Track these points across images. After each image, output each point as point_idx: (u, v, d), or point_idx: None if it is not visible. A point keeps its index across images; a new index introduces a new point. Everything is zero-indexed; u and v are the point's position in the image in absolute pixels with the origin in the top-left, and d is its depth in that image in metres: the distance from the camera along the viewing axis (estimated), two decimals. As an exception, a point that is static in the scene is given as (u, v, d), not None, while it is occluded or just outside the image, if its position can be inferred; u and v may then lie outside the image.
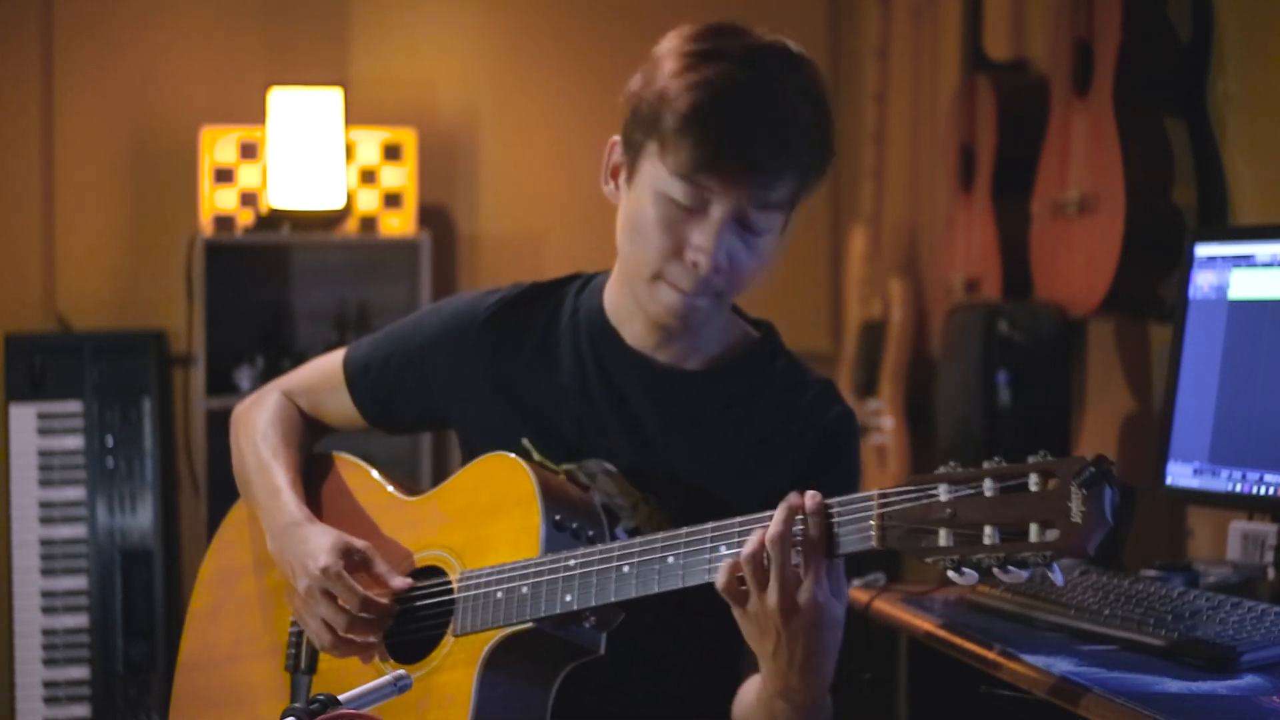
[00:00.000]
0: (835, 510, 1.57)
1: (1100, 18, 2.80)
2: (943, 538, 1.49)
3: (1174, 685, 1.76)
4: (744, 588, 1.60)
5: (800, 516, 1.58)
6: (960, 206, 3.50)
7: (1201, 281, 2.26)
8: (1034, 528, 1.44)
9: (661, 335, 1.89)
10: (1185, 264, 2.29)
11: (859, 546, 1.56)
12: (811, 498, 1.58)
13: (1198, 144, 2.68)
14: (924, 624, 2.23)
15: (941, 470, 1.52)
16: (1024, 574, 1.46)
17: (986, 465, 1.49)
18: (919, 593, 2.41)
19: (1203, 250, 2.27)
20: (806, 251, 4.60)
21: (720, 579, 1.61)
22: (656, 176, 1.78)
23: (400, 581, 1.84)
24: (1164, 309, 2.70)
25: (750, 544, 1.59)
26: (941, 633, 2.16)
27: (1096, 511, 1.42)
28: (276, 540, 1.93)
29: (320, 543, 1.85)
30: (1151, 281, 2.70)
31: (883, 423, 3.88)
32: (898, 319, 3.96)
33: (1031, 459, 1.47)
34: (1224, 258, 2.23)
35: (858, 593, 2.49)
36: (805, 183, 1.80)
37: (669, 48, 1.80)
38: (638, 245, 1.81)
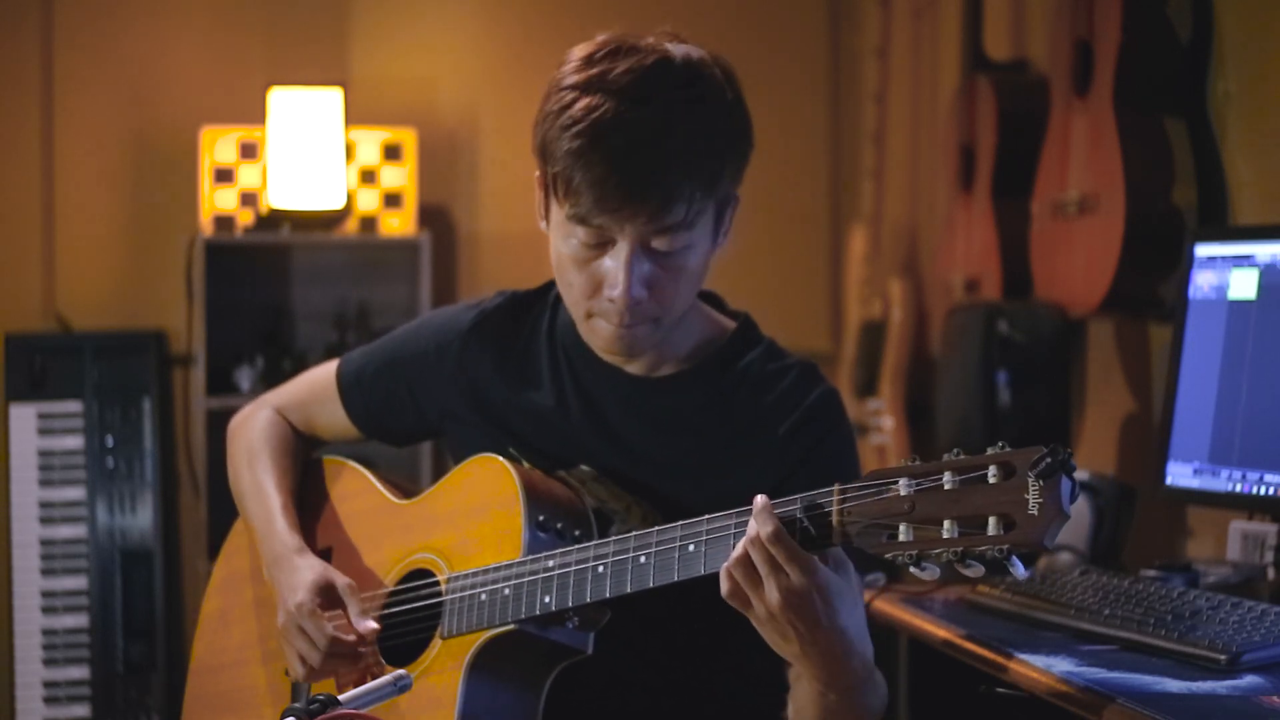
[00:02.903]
0: (797, 506, 1.56)
1: (1100, 18, 2.80)
2: (903, 532, 1.48)
3: (1174, 685, 1.76)
4: (745, 592, 1.58)
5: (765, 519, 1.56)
6: (960, 206, 3.50)
7: (1201, 281, 2.26)
8: (992, 521, 1.43)
9: (619, 357, 1.89)
10: (1185, 264, 2.29)
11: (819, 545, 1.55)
12: (760, 501, 1.56)
13: (1198, 144, 2.68)
14: (924, 624, 2.23)
15: (902, 464, 1.52)
16: (983, 568, 1.45)
17: (946, 457, 1.49)
18: (919, 593, 2.41)
19: (1203, 250, 2.27)
20: (806, 251, 4.61)
21: (723, 586, 1.60)
22: (560, 219, 1.78)
23: (366, 626, 1.84)
24: (1164, 309, 2.70)
25: (736, 551, 1.57)
26: (942, 633, 2.16)
27: (1053, 503, 1.41)
28: (269, 569, 1.96)
29: (302, 578, 1.88)
30: (1151, 281, 2.70)
31: (883, 423, 3.88)
32: (898, 319, 3.96)
33: (991, 450, 1.46)
34: (1224, 258, 2.23)
35: (858, 593, 2.49)
36: (709, 193, 1.76)
37: (556, 78, 1.78)
38: (564, 286, 1.82)
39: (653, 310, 1.79)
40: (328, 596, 1.86)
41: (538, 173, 1.84)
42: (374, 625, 1.85)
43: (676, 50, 1.78)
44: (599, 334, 1.82)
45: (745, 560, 1.56)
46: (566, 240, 1.78)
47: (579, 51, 1.79)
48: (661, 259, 1.77)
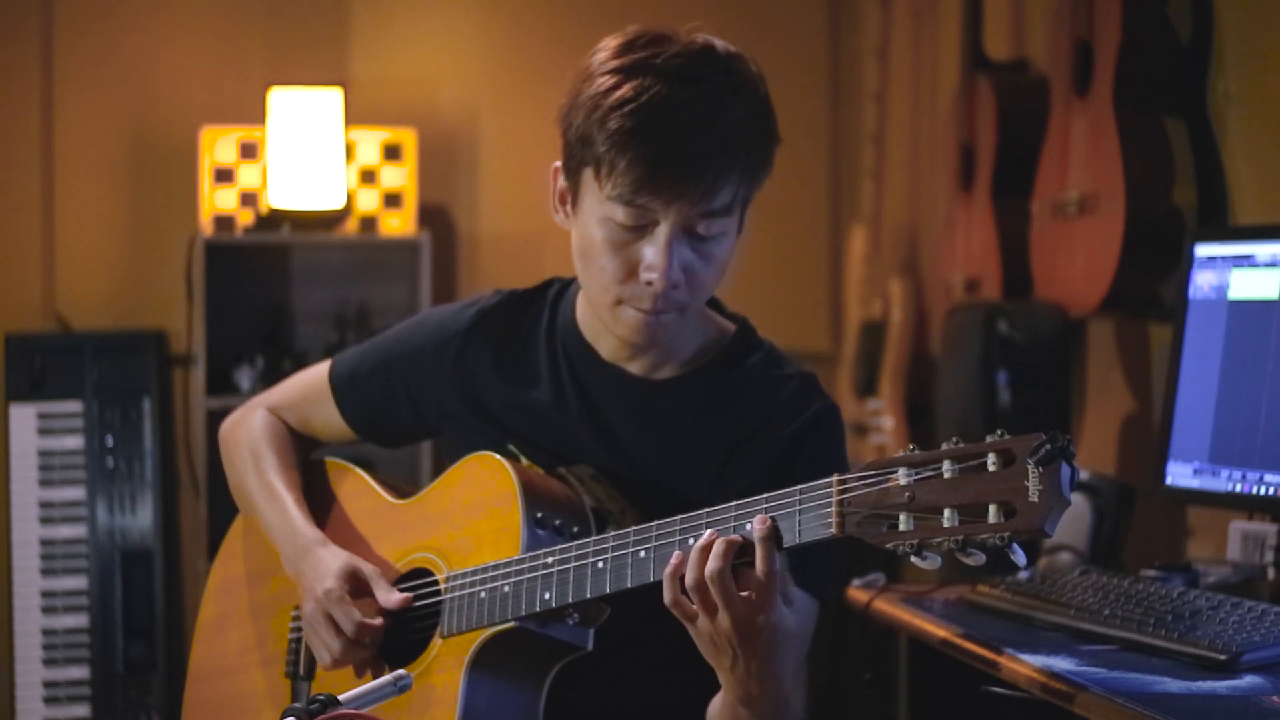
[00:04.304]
0: (798, 497, 1.57)
1: (1100, 18, 2.80)
2: (903, 522, 1.48)
3: (1174, 685, 1.76)
4: (692, 608, 1.61)
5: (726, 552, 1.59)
6: (960, 206, 3.50)
7: (1201, 281, 2.26)
8: (992, 508, 1.43)
9: (633, 348, 1.89)
10: (1185, 264, 2.29)
11: (819, 534, 1.55)
12: (761, 523, 1.58)
13: (1198, 144, 2.68)
14: (924, 624, 2.23)
15: (901, 454, 1.51)
16: (984, 556, 1.45)
17: (945, 446, 1.49)
18: (919, 593, 2.41)
19: (1203, 250, 2.27)
20: (806, 251, 4.61)
21: (666, 595, 1.62)
22: (598, 201, 1.77)
23: (393, 597, 1.85)
24: (1164, 309, 2.70)
25: (690, 575, 1.59)
26: (941, 633, 2.16)
27: (1053, 489, 1.41)
28: (293, 564, 1.95)
29: (328, 566, 1.88)
30: (1151, 281, 2.70)
31: (883, 423, 3.88)
32: (898, 319, 3.96)
33: (990, 438, 1.46)
34: (1224, 258, 2.23)
35: (858, 593, 2.49)
36: (749, 181, 1.78)
37: (593, 65, 1.79)
38: (592, 272, 1.81)
39: (683, 298, 1.79)
40: (354, 584, 1.87)
41: (558, 163, 1.84)
42: (401, 596, 1.85)
43: (717, 42, 1.80)
44: (625, 321, 1.81)
45: (701, 587, 1.59)
46: (602, 223, 1.77)
47: (613, 40, 1.80)
48: (698, 245, 1.77)
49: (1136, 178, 2.68)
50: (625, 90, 1.73)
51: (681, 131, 1.72)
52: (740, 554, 1.59)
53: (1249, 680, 1.77)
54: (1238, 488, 2.16)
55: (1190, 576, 2.18)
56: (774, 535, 1.57)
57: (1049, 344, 3.07)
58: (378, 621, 1.84)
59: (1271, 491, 2.12)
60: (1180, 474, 2.25)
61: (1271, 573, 2.20)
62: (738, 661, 1.62)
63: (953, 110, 3.58)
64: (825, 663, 3.98)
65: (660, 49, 1.76)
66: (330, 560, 1.89)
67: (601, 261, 1.79)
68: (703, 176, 1.72)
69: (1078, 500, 2.43)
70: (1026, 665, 1.91)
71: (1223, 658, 1.80)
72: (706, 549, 1.59)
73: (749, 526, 1.59)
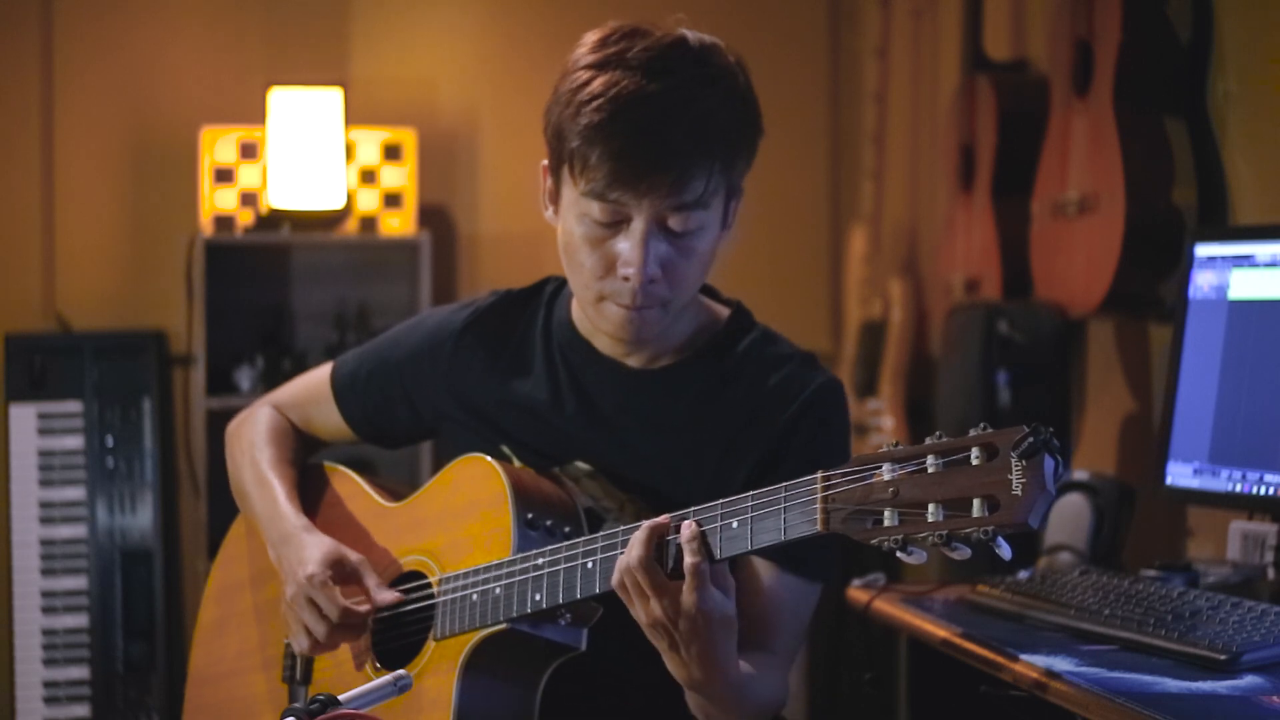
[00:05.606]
0: (782, 494, 1.57)
1: (1100, 18, 2.80)
2: (888, 517, 1.48)
3: (1174, 685, 1.76)
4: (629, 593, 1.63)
5: (671, 538, 1.61)
6: (960, 206, 3.50)
7: (1201, 281, 2.26)
8: (976, 502, 1.43)
9: (624, 344, 1.89)
10: (1185, 264, 2.29)
11: (804, 531, 1.55)
12: (687, 527, 1.60)
13: (1198, 144, 2.68)
14: (924, 624, 2.23)
15: (885, 449, 1.51)
16: (969, 551, 1.45)
17: (929, 440, 1.48)
18: (919, 593, 2.41)
19: (1203, 250, 2.27)
20: (806, 251, 4.61)
21: (614, 578, 1.64)
22: (574, 198, 1.78)
23: (385, 596, 1.85)
24: (1164, 309, 2.70)
25: (621, 561, 1.62)
26: (941, 633, 2.16)
27: (1036, 482, 1.41)
28: (276, 549, 1.95)
29: (311, 552, 1.88)
30: (1151, 281, 2.70)
31: (883, 423, 3.88)
32: (898, 319, 3.96)
33: (973, 432, 1.46)
34: (1224, 258, 2.23)
35: (858, 593, 2.49)
36: (724, 172, 1.78)
37: (570, 61, 1.79)
38: (574, 269, 1.82)
39: (663, 293, 1.79)
40: (339, 571, 1.86)
41: (545, 161, 1.84)
42: (394, 595, 1.85)
43: (690, 34, 1.79)
44: (608, 318, 1.82)
45: (628, 572, 1.61)
46: (580, 220, 1.78)
47: (593, 36, 1.80)
48: (675, 239, 1.77)
49: (1136, 178, 2.68)
50: (595, 85, 1.74)
51: (647, 124, 1.72)
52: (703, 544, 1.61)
53: (1249, 680, 1.77)
54: (1238, 488, 2.16)
55: (1190, 576, 2.18)
56: (698, 539, 1.59)
57: (1049, 344, 3.07)
58: (364, 607, 1.84)
59: (1271, 491, 2.12)
60: (1180, 474, 2.25)
61: (1271, 573, 2.20)
62: (677, 645, 1.63)
63: (953, 110, 3.58)
64: (825, 663, 3.99)
65: (632, 43, 1.76)
66: (313, 546, 1.88)
67: (581, 258, 1.79)
68: (670, 169, 1.72)
69: (1078, 500, 2.43)
70: (1026, 665, 1.91)
71: (1223, 658, 1.80)
72: (635, 540, 1.62)
73: (734, 524, 1.59)
